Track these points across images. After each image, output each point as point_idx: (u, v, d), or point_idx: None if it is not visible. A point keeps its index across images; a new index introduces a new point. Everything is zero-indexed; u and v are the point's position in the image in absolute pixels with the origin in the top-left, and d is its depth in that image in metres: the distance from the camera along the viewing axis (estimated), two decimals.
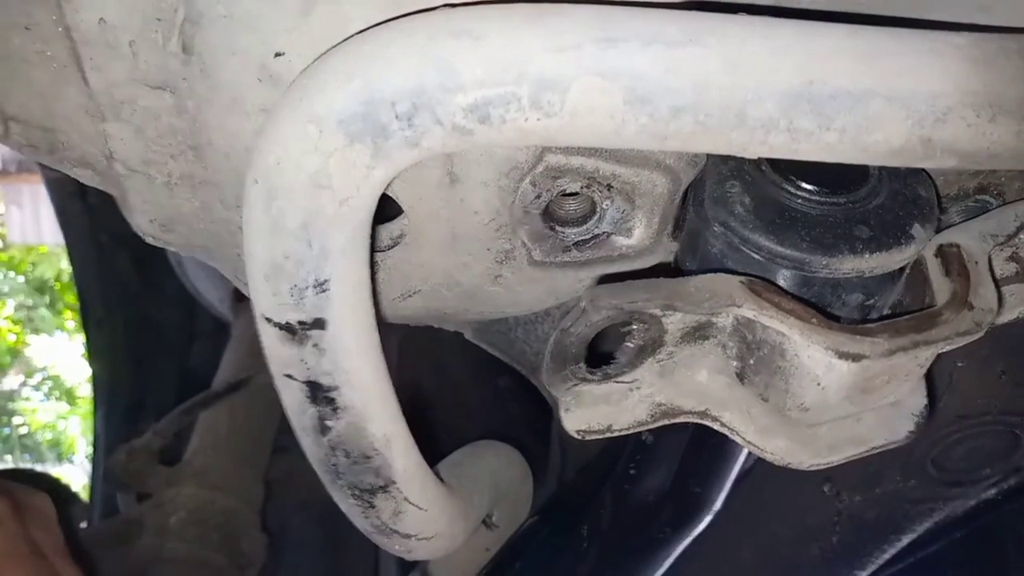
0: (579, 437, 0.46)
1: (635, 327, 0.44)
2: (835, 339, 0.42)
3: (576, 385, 0.45)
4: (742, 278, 0.45)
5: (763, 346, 0.44)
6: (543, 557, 0.83)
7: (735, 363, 0.46)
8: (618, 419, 0.47)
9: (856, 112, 0.36)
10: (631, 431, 0.46)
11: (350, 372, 0.47)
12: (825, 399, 0.44)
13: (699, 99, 0.35)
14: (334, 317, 0.44)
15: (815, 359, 0.42)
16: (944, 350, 0.44)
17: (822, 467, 0.47)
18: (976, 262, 0.47)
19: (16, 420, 5.86)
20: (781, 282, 0.45)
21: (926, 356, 0.45)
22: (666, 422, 0.46)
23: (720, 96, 0.35)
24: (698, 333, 0.46)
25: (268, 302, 0.44)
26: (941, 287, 0.46)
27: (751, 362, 0.45)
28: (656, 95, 0.35)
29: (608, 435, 0.47)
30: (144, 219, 0.55)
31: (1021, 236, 0.49)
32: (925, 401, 0.50)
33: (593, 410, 0.47)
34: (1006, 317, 0.50)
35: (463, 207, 0.50)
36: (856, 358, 0.42)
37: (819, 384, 0.43)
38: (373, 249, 0.44)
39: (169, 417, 1.60)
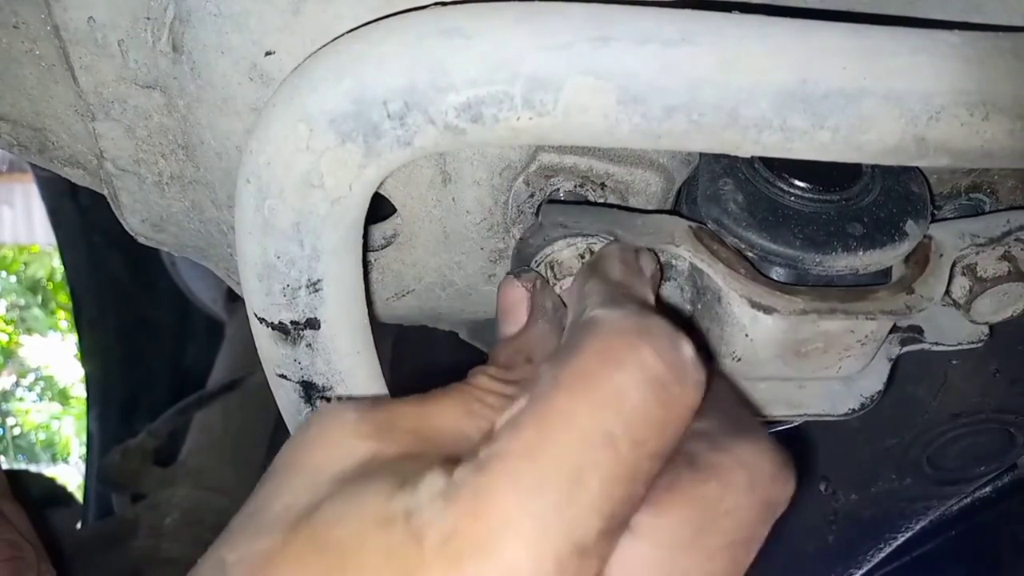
0: None
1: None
2: (752, 289, 0.44)
3: None
4: (691, 223, 0.46)
5: (707, 292, 0.45)
6: None
7: (688, 307, 0.48)
8: None
9: (849, 111, 0.35)
10: None
11: (344, 372, 0.46)
12: (755, 352, 0.45)
13: (692, 98, 0.35)
14: (327, 317, 0.44)
15: (742, 309, 0.44)
16: (877, 328, 0.45)
17: None
18: (941, 255, 0.48)
19: (9, 421, 5.84)
20: (775, 279, 0.46)
21: (865, 332, 0.45)
22: None
23: (713, 95, 0.35)
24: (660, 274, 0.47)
25: (261, 302, 0.44)
26: (897, 271, 0.47)
27: (699, 307, 0.47)
28: (649, 94, 0.35)
29: None
30: (135, 218, 0.55)
31: (1017, 237, 0.49)
32: (880, 387, 0.51)
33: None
34: (1000, 316, 0.50)
35: (456, 206, 0.50)
36: (768, 310, 0.43)
37: (747, 335, 0.45)
38: (366, 249, 0.44)
39: (163, 417, 1.60)
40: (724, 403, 0.37)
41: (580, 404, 0.30)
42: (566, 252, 0.45)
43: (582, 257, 0.44)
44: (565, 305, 0.43)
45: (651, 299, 0.40)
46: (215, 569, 0.31)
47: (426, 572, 0.27)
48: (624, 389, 0.30)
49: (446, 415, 0.34)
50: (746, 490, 0.32)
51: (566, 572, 0.27)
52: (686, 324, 0.47)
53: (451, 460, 0.31)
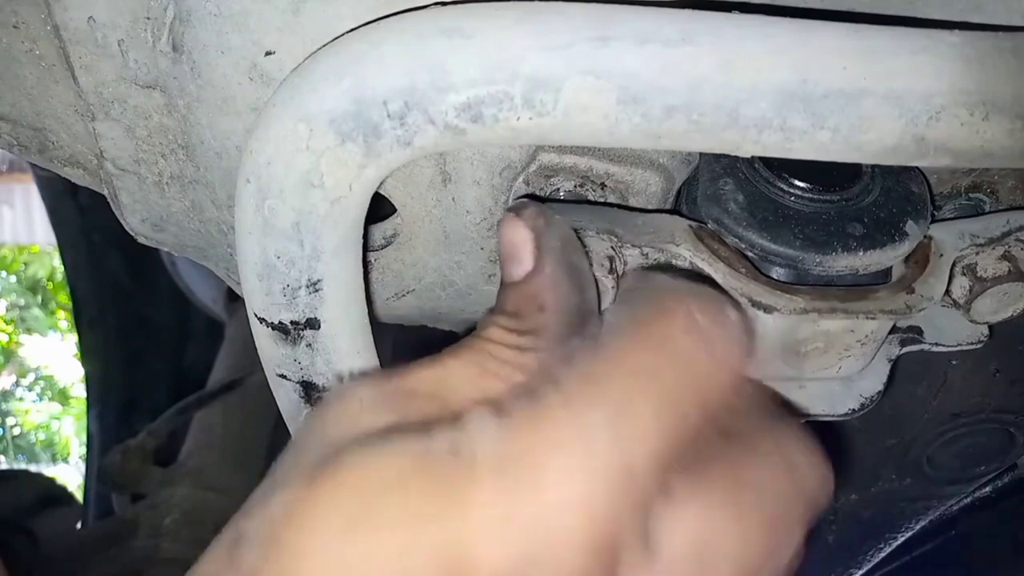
0: None
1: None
2: (752, 288, 0.44)
3: None
4: (691, 222, 0.46)
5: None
6: None
7: None
8: None
9: (849, 111, 0.35)
10: None
11: (344, 372, 0.46)
12: (755, 352, 0.45)
13: (692, 98, 0.35)
14: (327, 317, 0.44)
15: (743, 309, 0.44)
16: (877, 328, 0.45)
17: None
18: (941, 255, 0.48)
19: (9, 421, 5.84)
20: (775, 279, 0.46)
21: (865, 332, 0.45)
22: None
23: (713, 95, 0.35)
24: (660, 271, 0.47)
25: (261, 302, 0.44)
26: (897, 271, 0.47)
27: None
28: (649, 94, 0.35)
29: None
30: (135, 218, 0.55)
31: (1017, 237, 0.49)
32: (880, 388, 0.51)
33: None
34: (1000, 316, 0.50)
35: (456, 206, 0.50)
36: (768, 309, 0.43)
37: None
38: (366, 248, 0.44)
39: (163, 417, 1.60)
40: (763, 395, 0.38)
41: (631, 344, 0.32)
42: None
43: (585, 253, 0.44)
44: (581, 239, 0.42)
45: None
46: (230, 542, 0.29)
47: (476, 497, 0.27)
48: (672, 335, 0.32)
49: (462, 377, 0.34)
50: (783, 471, 0.33)
51: (614, 491, 0.28)
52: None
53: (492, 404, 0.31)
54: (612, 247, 0.45)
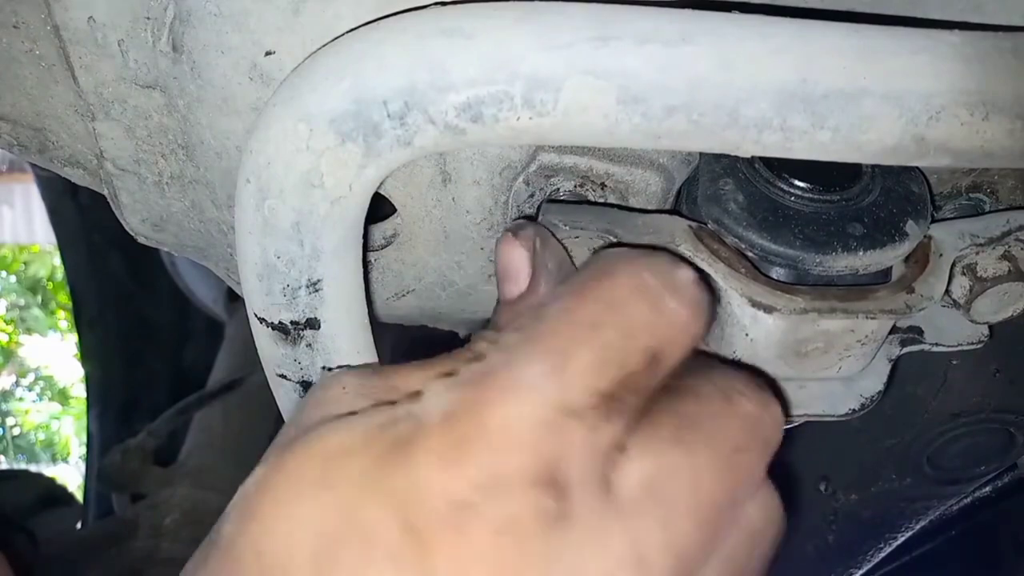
0: None
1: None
2: (752, 288, 0.44)
3: None
4: (691, 222, 0.46)
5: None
6: None
7: None
8: None
9: (849, 111, 0.35)
10: None
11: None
12: (755, 352, 0.45)
13: (692, 98, 0.35)
14: (327, 317, 0.44)
15: (742, 309, 0.44)
16: (877, 328, 0.45)
17: None
18: (941, 255, 0.48)
19: (9, 421, 5.84)
20: (775, 279, 0.46)
21: (865, 332, 0.45)
22: None
23: (713, 95, 0.35)
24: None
25: (261, 302, 0.44)
26: (897, 270, 0.47)
27: None
28: (649, 94, 0.35)
29: None
30: (135, 218, 0.55)
31: (1017, 237, 0.49)
32: (881, 388, 0.51)
33: None
34: (1000, 316, 0.50)
35: (456, 206, 0.50)
36: (768, 309, 0.43)
37: (747, 335, 0.45)
38: (366, 249, 0.44)
39: (163, 417, 1.60)
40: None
41: (572, 302, 0.33)
42: (569, 245, 0.44)
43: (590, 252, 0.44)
44: (572, 261, 0.43)
45: None
46: (217, 522, 0.32)
47: (424, 444, 0.29)
48: (614, 291, 0.33)
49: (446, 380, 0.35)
50: (726, 407, 0.34)
51: (556, 430, 0.29)
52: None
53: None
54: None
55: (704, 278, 0.35)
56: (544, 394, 0.30)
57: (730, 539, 0.33)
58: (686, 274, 0.34)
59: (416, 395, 0.32)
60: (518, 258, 0.40)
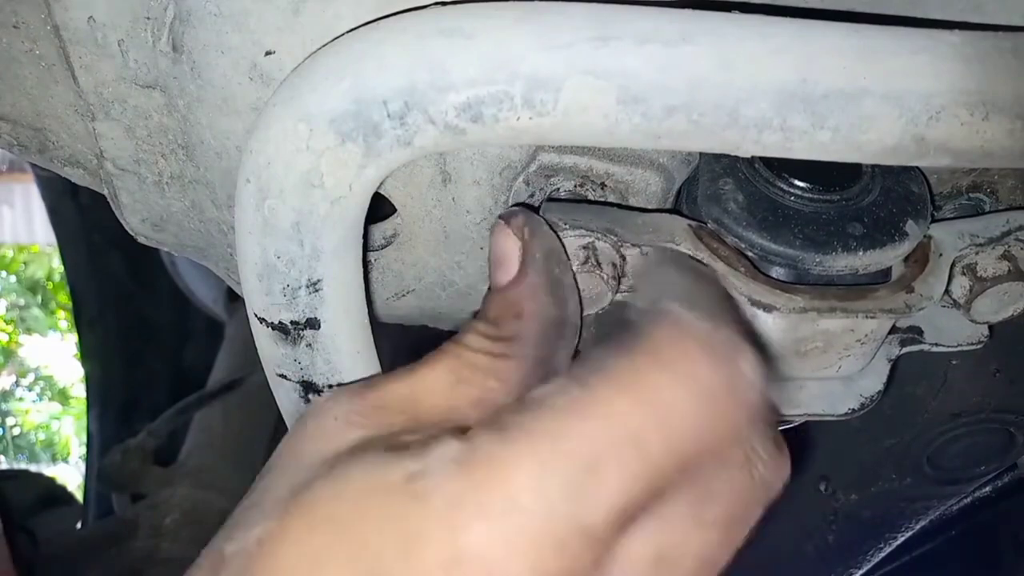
0: None
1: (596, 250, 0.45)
2: (752, 287, 0.43)
3: None
4: (691, 222, 0.46)
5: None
6: None
7: None
8: None
9: (849, 111, 0.35)
10: None
11: (344, 372, 0.46)
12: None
13: (692, 98, 0.35)
14: (327, 317, 0.44)
15: (743, 308, 0.44)
16: (876, 327, 0.45)
17: None
18: (941, 254, 0.48)
19: (9, 421, 5.84)
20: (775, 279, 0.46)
21: (865, 331, 0.45)
22: None
23: (713, 95, 0.35)
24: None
25: (261, 302, 0.44)
26: (897, 270, 0.47)
27: None
28: (649, 94, 0.35)
29: None
30: (135, 218, 0.55)
31: (1016, 237, 0.49)
32: (880, 387, 0.51)
33: None
34: (1000, 316, 0.50)
35: (456, 206, 0.50)
36: (767, 308, 0.43)
37: None
38: (366, 249, 0.44)
39: (163, 417, 1.60)
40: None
41: (618, 397, 0.29)
42: (570, 243, 0.44)
43: (584, 249, 0.44)
44: (565, 250, 0.42)
45: (726, 302, 0.39)
46: (214, 562, 0.31)
47: (428, 534, 0.28)
48: (668, 394, 0.29)
49: (436, 388, 0.34)
50: (748, 476, 0.33)
51: (565, 552, 0.28)
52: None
53: (460, 429, 0.31)
54: (612, 247, 0.45)
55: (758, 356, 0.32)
56: (560, 512, 0.27)
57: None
58: (748, 369, 0.31)
59: (423, 444, 0.30)
60: (510, 246, 0.39)
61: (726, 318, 0.33)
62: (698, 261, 0.45)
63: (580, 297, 0.42)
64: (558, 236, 0.43)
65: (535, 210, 0.45)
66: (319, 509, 0.30)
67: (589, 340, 0.48)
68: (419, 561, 0.27)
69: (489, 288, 0.40)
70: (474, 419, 0.33)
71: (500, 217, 0.41)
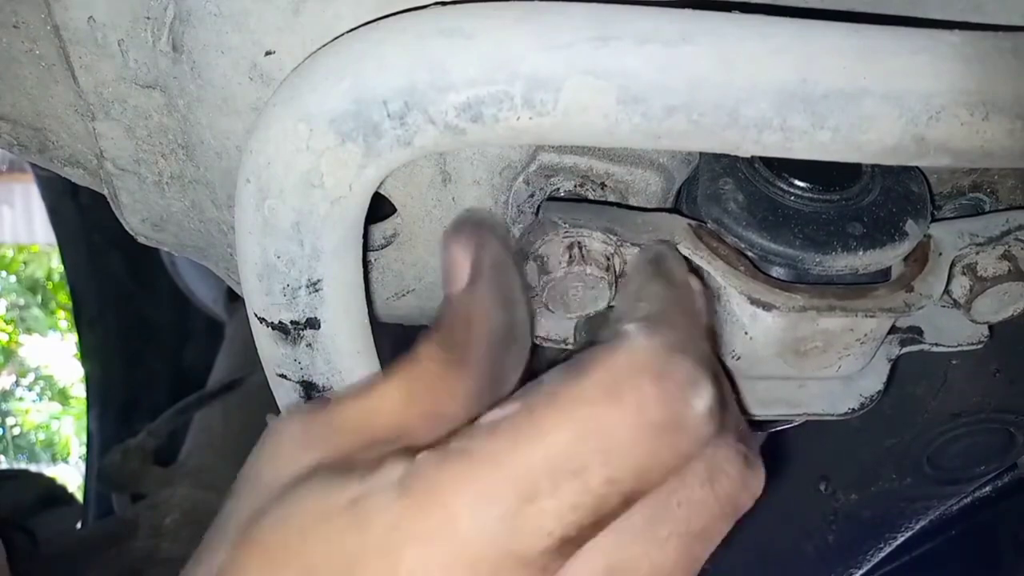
0: (538, 343, 0.49)
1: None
2: (752, 286, 0.44)
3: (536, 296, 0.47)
4: (690, 221, 0.46)
5: (706, 290, 0.45)
6: None
7: None
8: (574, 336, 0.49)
9: (849, 111, 0.35)
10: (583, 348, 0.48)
11: (344, 372, 0.46)
12: (754, 350, 0.46)
13: (692, 98, 0.35)
14: (327, 317, 0.44)
15: (742, 307, 0.44)
16: (876, 326, 0.45)
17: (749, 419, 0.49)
18: (940, 254, 0.48)
19: (9, 421, 5.84)
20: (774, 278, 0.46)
21: (864, 331, 0.45)
22: None
23: (713, 95, 0.35)
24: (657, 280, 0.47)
25: (261, 302, 0.44)
26: (896, 269, 0.48)
27: None
28: (649, 94, 0.35)
29: (563, 346, 0.49)
30: (135, 218, 0.55)
31: (1016, 236, 0.49)
32: (880, 387, 0.51)
33: (557, 323, 0.48)
34: (1000, 316, 0.50)
35: (456, 206, 0.50)
36: (767, 307, 0.43)
37: (746, 333, 0.45)
38: (366, 248, 0.44)
39: (163, 417, 1.59)
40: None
41: (562, 428, 0.29)
42: (567, 241, 0.44)
43: (569, 248, 0.44)
44: (515, 257, 0.41)
45: (702, 322, 0.38)
46: None
47: (367, 560, 0.28)
48: (614, 428, 0.29)
49: (388, 406, 0.35)
50: (703, 483, 0.32)
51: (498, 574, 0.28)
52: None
53: (409, 450, 0.31)
54: (611, 246, 0.45)
55: (720, 381, 0.32)
56: (495, 539, 0.28)
57: None
58: (701, 404, 0.30)
59: (372, 468, 0.31)
60: (460, 256, 0.38)
61: (690, 341, 0.33)
62: (687, 260, 0.45)
63: (532, 307, 0.43)
64: (507, 246, 0.43)
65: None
66: (269, 536, 0.31)
67: (581, 342, 0.48)
68: None
69: (445, 297, 0.40)
70: (425, 435, 0.34)
71: (450, 228, 0.40)
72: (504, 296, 0.38)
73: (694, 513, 0.32)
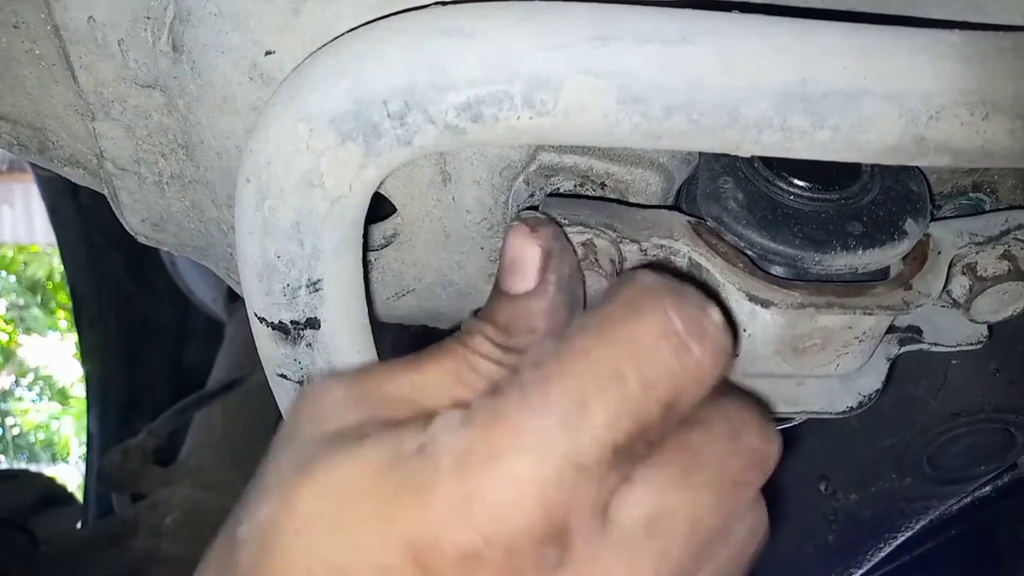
0: None
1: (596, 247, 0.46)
2: (750, 283, 0.44)
3: None
4: (690, 218, 0.47)
5: (705, 287, 0.46)
6: None
7: None
8: None
9: (849, 111, 0.35)
10: None
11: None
12: (753, 347, 0.46)
13: (692, 98, 0.35)
14: (327, 317, 0.44)
15: (740, 304, 0.44)
16: (875, 324, 0.46)
17: None
18: (939, 252, 0.48)
19: (9, 421, 5.84)
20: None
21: (863, 328, 0.46)
22: None
23: (713, 95, 0.35)
24: (659, 269, 0.47)
25: (261, 302, 0.44)
26: (895, 267, 0.48)
27: None
28: (649, 94, 0.35)
29: None
30: (136, 218, 0.55)
31: (1016, 236, 0.49)
32: (879, 386, 0.51)
33: None
34: (1000, 315, 0.50)
35: (456, 206, 0.50)
36: (765, 304, 0.43)
37: (745, 331, 0.45)
38: (366, 248, 0.44)
39: (163, 417, 1.59)
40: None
41: (596, 343, 0.32)
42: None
43: (583, 246, 0.44)
44: (581, 272, 0.42)
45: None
46: (227, 547, 0.32)
47: (438, 489, 0.30)
48: (640, 334, 0.32)
49: (437, 384, 0.35)
50: (730, 441, 0.34)
51: (564, 486, 0.30)
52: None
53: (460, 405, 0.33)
54: (611, 243, 0.45)
55: (719, 303, 0.35)
56: (557, 448, 0.30)
57: (718, 555, 0.35)
58: (714, 318, 0.33)
59: (424, 421, 0.32)
60: (531, 254, 0.39)
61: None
62: (688, 274, 0.45)
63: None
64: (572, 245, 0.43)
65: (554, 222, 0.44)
66: (333, 476, 0.31)
67: None
68: (432, 509, 0.29)
69: (497, 289, 0.40)
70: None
71: (522, 220, 0.40)
72: (574, 307, 0.39)
73: (724, 463, 0.34)
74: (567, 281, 0.39)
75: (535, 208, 0.46)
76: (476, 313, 0.40)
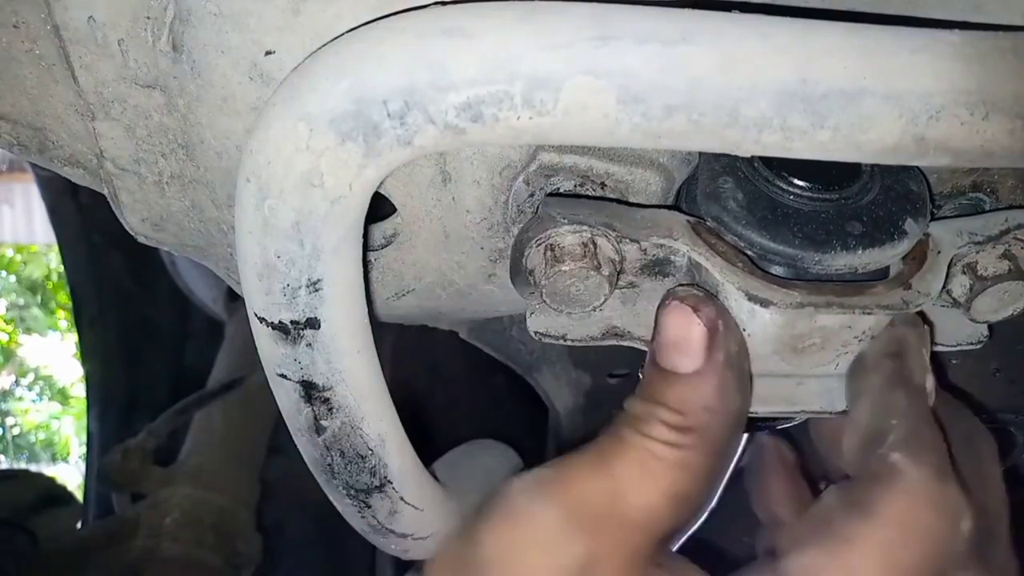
0: (536, 339, 0.49)
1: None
2: (749, 283, 0.44)
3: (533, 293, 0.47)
4: (689, 218, 0.47)
5: (704, 287, 0.46)
6: None
7: None
8: (573, 331, 0.49)
9: (849, 111, 0.35)
10: (582, 344, 0.49)
11: (344, 372, 0.46)
12: (753, 347, 0.46)
13: (692, 98, 0.35)
14: (327, 316, 0.44)
15: (740, 304, 0.44)
16: (874, 324, 0.46)
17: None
18: (939, 252, 0.48)
19: (9, 421, 5.83)
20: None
21: (862, 328, 0.46)
22: (614, 343, 0.49)
23: (713, 95, 0.35)
24: (658, 269, 0.47)
25: (261, 301, 0.44)
26: (894, 267, 0.48)
27: None
28: (649, 94, 0.35)
29: (562, 343, 0.49)
30: (135, 218, 0.55)
31: (1015, 236, 0.49)
32: None
33: (555, 318, 0.49)
34: (1000, 315, 0.50)
35: (456, 206, 0.50)
36: (764, 303, 0.43)
37: (744, 330, 0.45)
38: (366, 248, 0.44)
39: (163, 417, 1.59)
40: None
41: (869, 565, 0.36)
42: (569, 238, 0.45)
43: (585, 246, 0.44)
44: (746, 348, 0.44)
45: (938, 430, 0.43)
46: (471, 554, 0.35)
47: None
48: (909, 561, 0.36)
49: (632, 486, 0.36)
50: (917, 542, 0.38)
51: None
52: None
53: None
54: (611, 243, 0.45)
55: None
56: None
57: None
58: (967, 527, 0.38)
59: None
60: (696, 333, 0.39)
61: (948, 464, 0.39)
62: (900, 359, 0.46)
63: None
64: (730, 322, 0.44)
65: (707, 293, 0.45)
66: None
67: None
68: None
69: (658, 368, 0.40)
70: (669, 514, 0.37)
71: (679, 297, 0.41)
72: (743, 383, 0.40)
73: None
74: (735, 358, 0.40)
75: (692, 285, 0.46)
76: (635, 392, 0.40)
